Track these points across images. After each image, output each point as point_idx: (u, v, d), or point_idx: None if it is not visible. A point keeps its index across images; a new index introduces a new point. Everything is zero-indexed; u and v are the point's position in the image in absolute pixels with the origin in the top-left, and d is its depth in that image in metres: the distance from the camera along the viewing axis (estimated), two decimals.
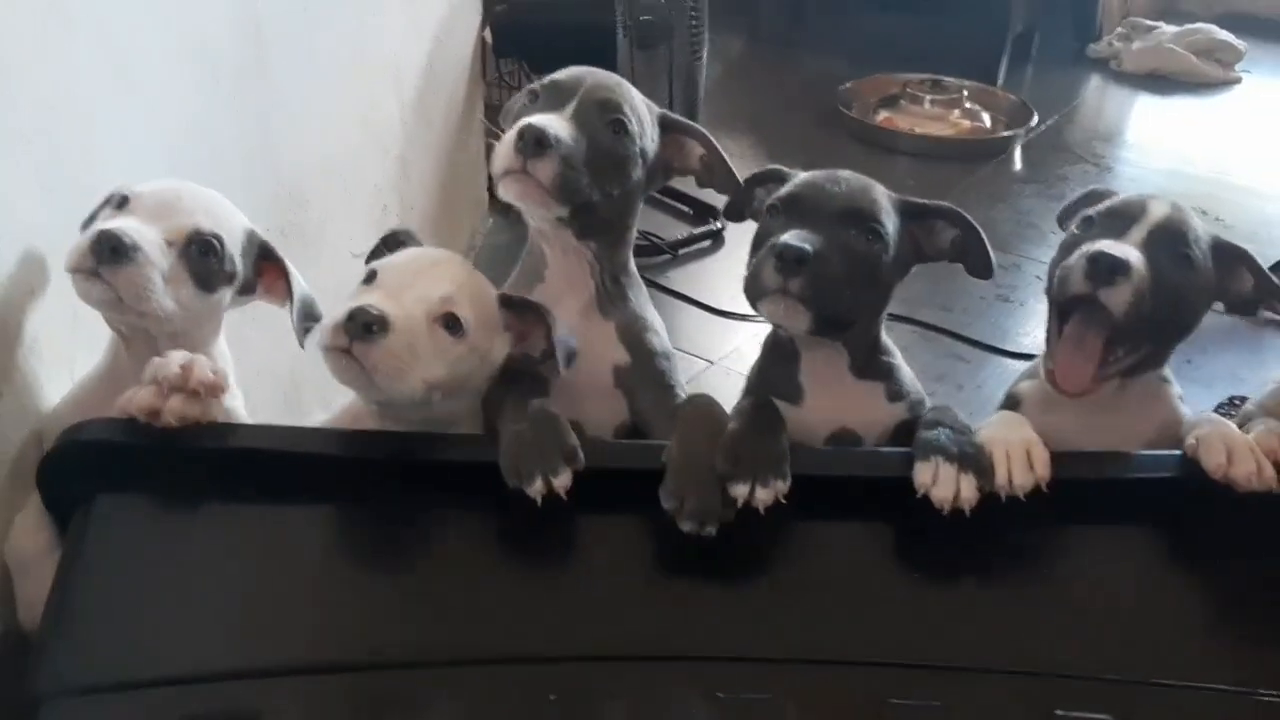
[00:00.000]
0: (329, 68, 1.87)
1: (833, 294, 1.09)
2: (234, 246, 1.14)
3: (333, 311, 1.06)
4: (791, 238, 1.07)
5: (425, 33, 2.33)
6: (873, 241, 1.13)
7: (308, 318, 1.19)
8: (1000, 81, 3.95)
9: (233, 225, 1.15)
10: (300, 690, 0.91)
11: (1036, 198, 3.28)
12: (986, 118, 3.70)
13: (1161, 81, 4.17)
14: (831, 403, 1.19)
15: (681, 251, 2.83)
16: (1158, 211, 1.12)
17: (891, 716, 0.94)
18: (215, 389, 1.06)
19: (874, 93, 3.79)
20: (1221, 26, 4.44)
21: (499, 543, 1.06)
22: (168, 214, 1.10)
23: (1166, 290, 1.08)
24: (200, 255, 1.11)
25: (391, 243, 1.23)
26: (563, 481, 1.01)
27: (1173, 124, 3.95)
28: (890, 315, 2.20)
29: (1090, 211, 1.17)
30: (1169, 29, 4.33)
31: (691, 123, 1.29)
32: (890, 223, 1.15)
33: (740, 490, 1.01)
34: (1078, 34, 4.38)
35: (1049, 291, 1.17)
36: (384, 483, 1.07)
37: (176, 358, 1.05)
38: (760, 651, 0.98)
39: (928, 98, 3.68)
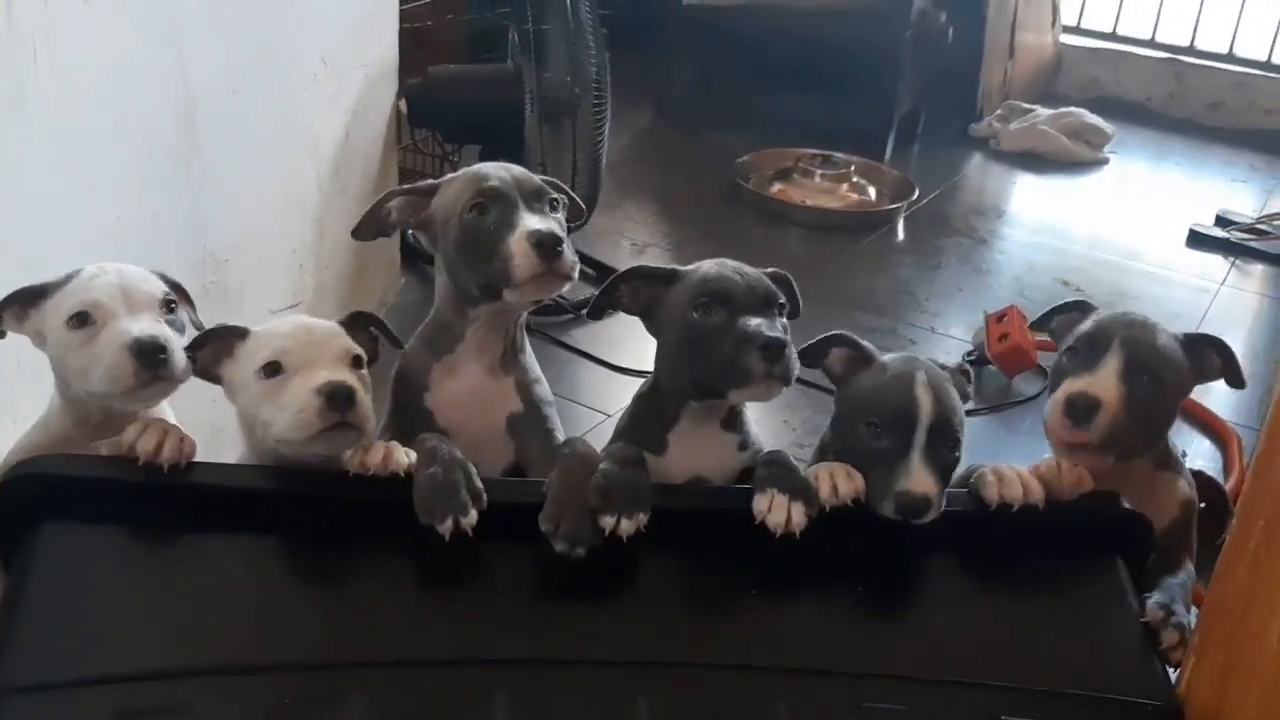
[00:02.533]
0: (255, 143, 2.04)
1: (793, 367, 1.26)
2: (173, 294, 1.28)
3: (296, 403, 1.17)
4: (765, 329, 1.22)
5: (344, 107, 2.50)
6: (783, 314, 1.31)
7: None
8: (887, 158, 4.23)
9: (157, 278, 1.28)
10: (224, 688, 1.06)
11: (915, 267, 3.55)
12: (872, 191, 3.97)
13: (1036, 160, 4.48)
14: (690, 455, 1.36)
15: (583, 311, 3.01)
16: (926, 411, 1.26)
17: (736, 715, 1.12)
18: (179, 465, 1.19)
19: (769, 165, 4.04)
20: (1093, 109, 4.79)
21: (405, 567, 1.22)
22: (133, 300, 1.21)
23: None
24: (170, 313, 1.24)
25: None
26: (470, 521, 1.18)
27: (1045, 200, 4.27)
28: None
29: (871, 419, 1.29)
30: (1044, 112, 4.65)
31: (552, 179, 1.47)
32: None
33: (608, 521, 1.19)
34: (961, 115, 4.68)
35: None
36: (305, 516, 1.22)
37: (153, 436, 1.18)
38: (621, 656, 1.15)
39: (818, 172, 3.94)
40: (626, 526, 1.19)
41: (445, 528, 1.17)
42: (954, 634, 1.20)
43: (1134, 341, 1.34)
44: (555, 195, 1.38)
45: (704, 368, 1.28)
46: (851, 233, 3.73)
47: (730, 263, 1.34)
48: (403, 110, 2.91)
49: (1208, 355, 1.40)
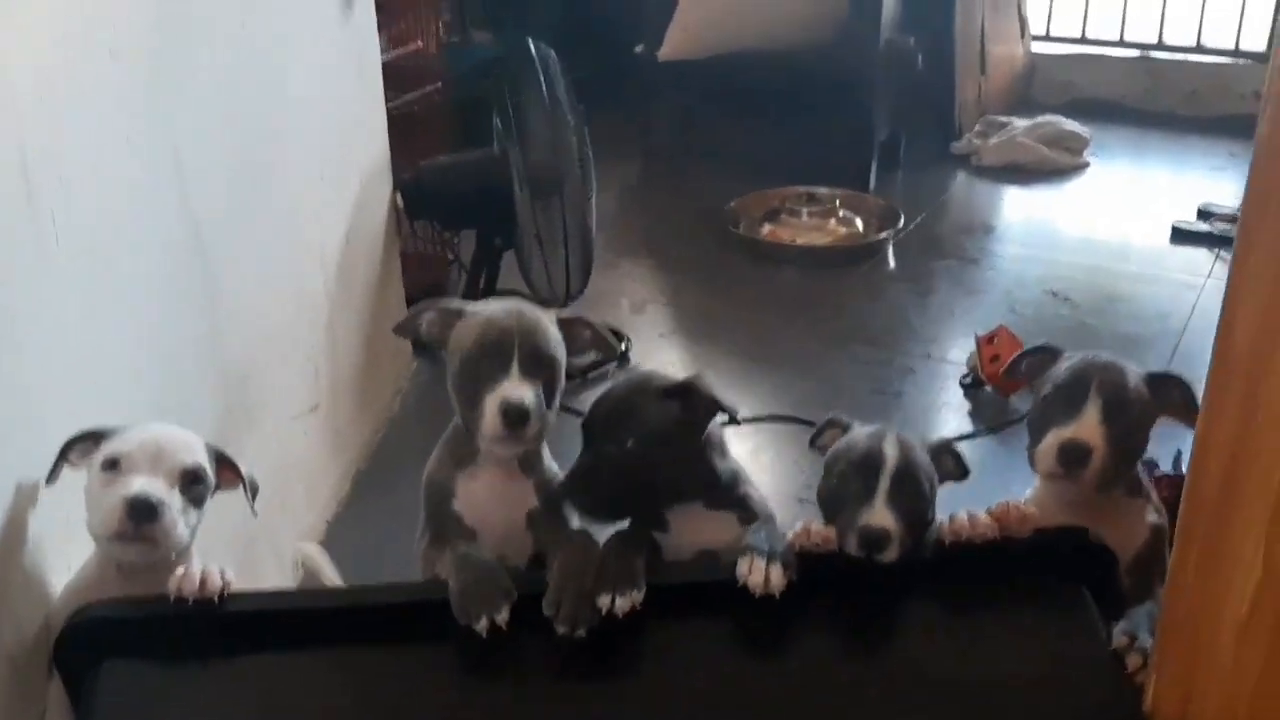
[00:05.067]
0: (262, 260, 2.16)
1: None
2: (208, 466, 1.40)
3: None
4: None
5: (344, 211, 2.63)
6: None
7: (254, 492, 1.49)
8: (872, 186, 4.34)
9: (201, 449, 1.41)
10: None
11: (908, 293, 3.65)
12: (859, 222, 4.08)
13: (1018, 172, 4.59)
14: (692, 531, 1.47)
15: (590, 375, 3.12)
16: (891, 460, 1.39)
17: None
18: (223, 593, 1.32)
19: (758, 208, 4.16)
20: (1072, 112, 4.90)
21: (437, 665, 1.33)
22: (159, 462, 1.34)
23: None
24: (192, 485, 1.37)
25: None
26: (503, 617, 1.30)
27: (1030, 212, 4.38)
28: (774, 416, 2.58)
29: (844, 467, 1.42)
30: (1020, 123, 4.76)
31: (575, 315, 1.57)
32: (659, 417, 1.44)
33: (604, 600, 1.30)
34: (940, 135, 4.80)
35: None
36: (344, 627, 1.34)
37: (195, 575, 1.31)
38: None
39: (804, 210, 4.07)
40: (621, 604, 1.30)
41: (481, 626, 1.29)
42: (937, 673, 1.30)
43: (1109, 385, 1.46)
44: (554, 355, 1.46)
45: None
46: (844, 265, 3.84)
47: (616, 390, 1.49)
48: (400, 204, 3.03)
49: (1169, 390, 1.51)
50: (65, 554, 1.43)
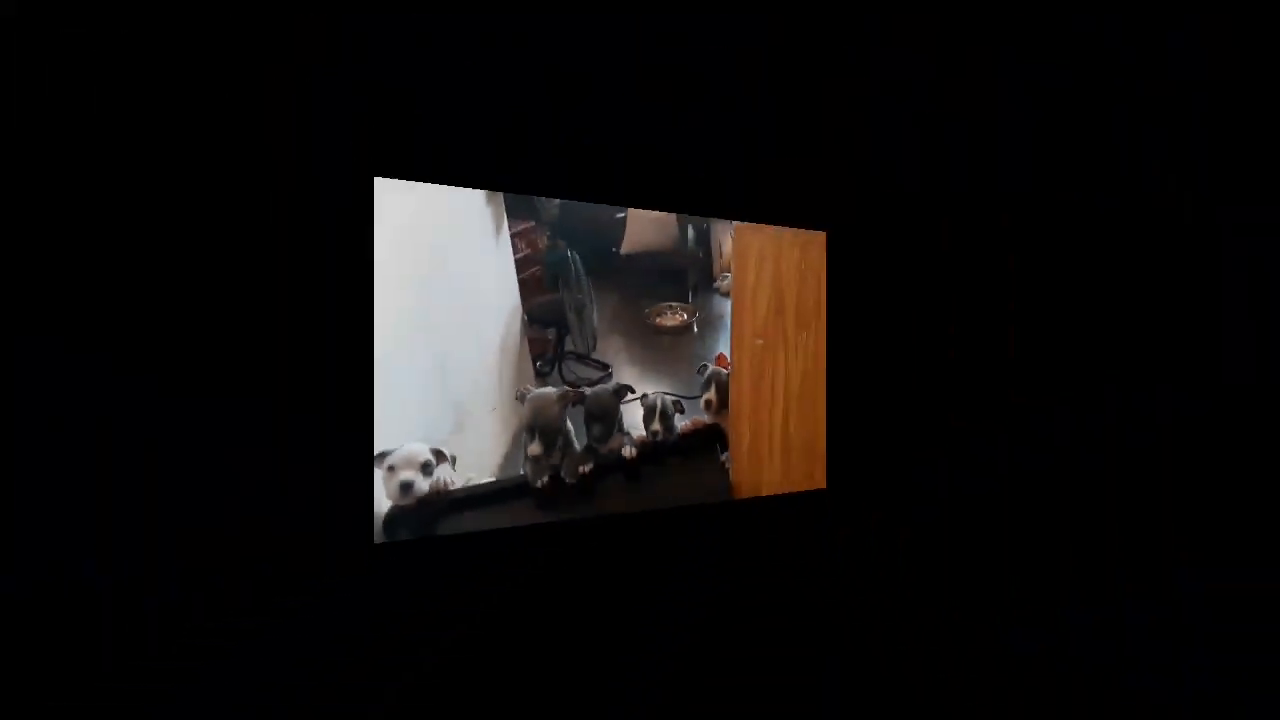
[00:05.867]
0: (462, 362, 5.05)
1: None
2: (432, 459, 3.33)
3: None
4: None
5: (498, 330, 5.73)
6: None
7: (452, 462, 3.24)
8: (690, 299, 9.85)
9: (428, 452, 3.19)
10: None
11: (699, 344, 9.60)
12: (685, 314, 8.21)
13: None
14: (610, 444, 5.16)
15: (627, 398, 5.97)
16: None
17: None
18: (450, 485, 3.22)
19: (656, 311, 6.88)
20: None
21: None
22: (410, 463, 2.70)
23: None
24: (425, 469, 2.83)
25: None
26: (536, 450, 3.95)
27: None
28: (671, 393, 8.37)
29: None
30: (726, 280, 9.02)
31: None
32: (615, 401, 4.56)
33: (584, 467, 4.64)
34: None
35: None
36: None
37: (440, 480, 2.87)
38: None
39: (668, 310, 7.05)
40: (585, 469, 3.97)
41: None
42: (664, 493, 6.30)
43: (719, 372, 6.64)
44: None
45: None
46: (682, 334, 8.65)
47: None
48: (525, 319, 5.69)
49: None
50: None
